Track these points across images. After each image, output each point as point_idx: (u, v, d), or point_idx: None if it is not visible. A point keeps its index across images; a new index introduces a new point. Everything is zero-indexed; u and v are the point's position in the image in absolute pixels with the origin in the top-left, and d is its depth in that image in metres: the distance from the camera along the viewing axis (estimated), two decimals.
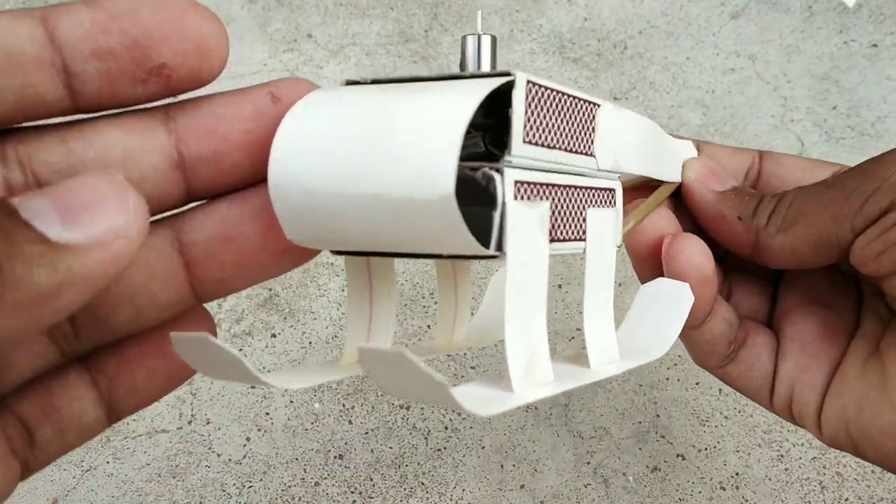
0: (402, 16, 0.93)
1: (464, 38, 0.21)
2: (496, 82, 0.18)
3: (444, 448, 0.69)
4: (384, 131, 0.16)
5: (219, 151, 0.21)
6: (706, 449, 0.67)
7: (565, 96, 0.20)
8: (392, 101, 0.17)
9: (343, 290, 0.75)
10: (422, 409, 0.71)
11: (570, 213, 0.20)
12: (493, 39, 0.21)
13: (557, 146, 0.20)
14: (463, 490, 0.66)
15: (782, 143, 0.82)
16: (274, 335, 0.73)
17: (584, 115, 0.20)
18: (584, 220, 0.21)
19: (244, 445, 0.68)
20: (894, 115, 0.83)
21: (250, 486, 0.66)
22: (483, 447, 0.68)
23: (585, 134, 0.20)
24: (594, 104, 0.21)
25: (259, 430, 0.69)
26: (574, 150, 0.20)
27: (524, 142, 0.19)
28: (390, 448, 0.68)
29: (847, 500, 0.65)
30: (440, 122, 0.16)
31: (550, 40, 0.90)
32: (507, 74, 0.18)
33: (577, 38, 0.91)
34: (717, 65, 0.87)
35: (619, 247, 0.22)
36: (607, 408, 0.69)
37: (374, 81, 0.20)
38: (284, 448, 0.68)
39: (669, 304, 0.23)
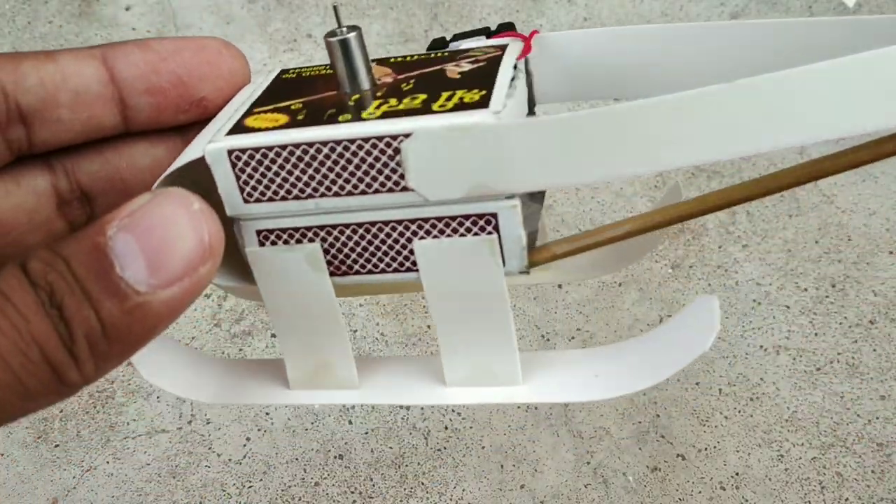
0: (402, 16, 0.93)
1: (327, 42, 0.21)
2: (186, 158, 0.20)
3: (444, 448, 0.69)
4: None
5: None
6: (706, 449, 0.67)
7: (313, 147, 0.19)
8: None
9: None
10: (422, 408, 0.71)
11: (378, 246, 0.21)
12: (359, 34, 0.21)
13: (314, 194, 0.20)
14: (463, 490, 0.66)
15: None
16: (274, 335, 0.73)
17: (358, 156, 0.19)
18: (411, 251, 0.21)
19: (244, 445, 0.68)
20: None
21: (250, 486, 0.66)
22: (483, 447, 0.68)
23: (372, 172, 0.19)
24: (387, 139, 0.19)
25: (259, 430, 0.69)
26: (353, 191, 0.20)
27: (247, 202, 0.20)
28: (390, 448, 0.68)
29: (847, 500, 0.65)
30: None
31: None
32: (244, 130, 0.21)
33: None
34: None
35: (523, 271, 0.20)
36: (607, 408, 0.69)
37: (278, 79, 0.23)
38: (284, 448, 0.69)
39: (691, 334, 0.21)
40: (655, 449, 0.68)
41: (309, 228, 0.21)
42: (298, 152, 0.20)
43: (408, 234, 0.21)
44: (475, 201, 0.20)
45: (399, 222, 0.20)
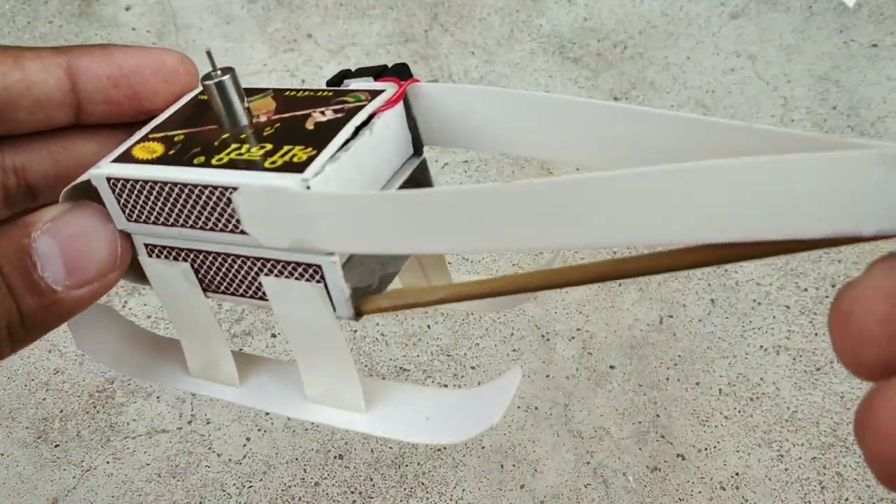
0: (402, 16, 0.93)
1: (204, 84, 0.23)
2: (79, 179, 0.23)
3: (444, 448, 0.69)
4: None
5: None
6: (706, 449, 0.67)
7: (167, 185, 0.22)
8: None
9: None
10: None
11: (235, 274, 0.23)
12: (233, 76, 0.23)
13: (175, 223, 0.23)
14: (463, 490, 0.66)
15: None
16: (274, 335, 0.73)
17: (202, 198, 0.22)
18: (260, 284, 0.23)
19: (244, 445, 0.68)
20: (894, 115, 0.83)
21: (250, 486, 0.66)
22: (483, 447, 0.68)
23: (215, 214, 0.22)
24: (220, 188, 0.21)
25: (259, 430, 0.69)
26: (204, 226, 0.22)
27: (129, 221, 0.23)
28: (390, 448, 0.68)
29: (847, 500, 0.65)
30: None
31: (550, 40, 0.90)
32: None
33: (577, 38, 0.91)
34: (717, 65, 0.87)
35: (352, 318, 0.22)
36: (607, 408, 0.69)
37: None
38: (284, 448, 0.69)
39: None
40: (655, 449, 0.68)
41: (182, 249, 0.24)
42: (157, 188, 0.23)
43: (255, 268, 0.23)
44: (302, 252, 0.21)
45: (247, 258, 0.23)
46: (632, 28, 0.91)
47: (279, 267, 0.23)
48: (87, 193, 0.24)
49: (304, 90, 0.26)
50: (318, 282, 0.22)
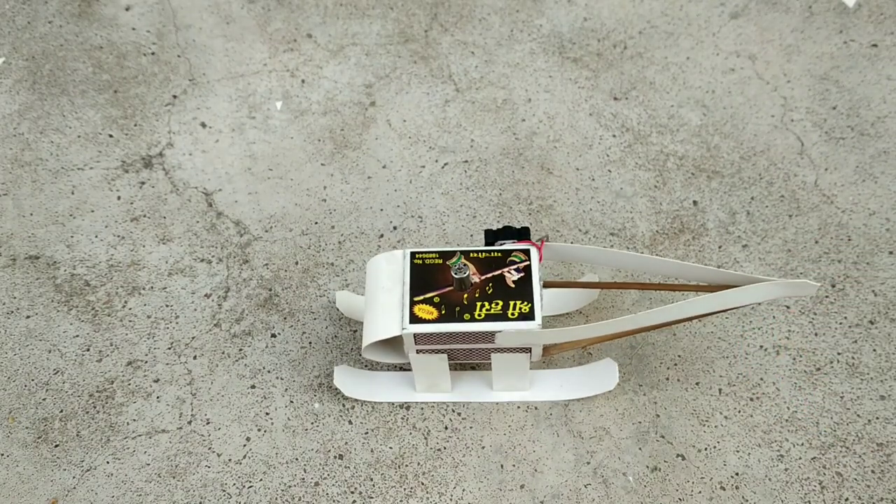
0: (402, 16, 0.93)
1: (454, 275, 0.66)
2: (389, 334, 0.65)
3: (444, 448, 0.69)
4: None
5: None
6: (706, 449, 0.67)
7: (455, 333, 0.63)
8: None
9: (342, 289, 0.75)
10: (421, 408, 0.71)
11: (475, 356, 0.66)
12: (468, 271, 0.67)
13: (448, 346, 0.65)
14: (463, 490, 0.66)
15: (782, 143, 0.82)
16: (274, 335, 0.73)
17: (479, 336, 0.64)
18: (488, 357, 0.68)
19: (244, 445, 0.68)
20: (894, 115, 0.83)
21: (250, 486, 0.66)
22: (483, 447, 0.68)
23: (478, 342, 0.64)
24: (493, 332, 0.62)
25: (259, 430, 0.69)
26: (470, 343, 0.66)
27: (416, 347, 0.66)
28: (390, 448, 0.68)
29: (847, 500, 0.65)
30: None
31: (550, 40, 0.90)
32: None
33: (577, 38, 0.91)
34: (717, 65, 0.87)
35: (536, 360, 0.68)
36: (607, 408, 0.69)
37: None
38: (284, 448, 0.68)
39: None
40: (655, 449, 0.68)
41: (443, 350, 0.65)
42: (447, 336, 0.63)
43: (488, 352, 0.66)
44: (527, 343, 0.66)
45: (487, 350, 0.65)
46: (632, 28, 0.91)
47: (504, 351, 0.65)
48: (385, 340, 0.66)
49: (482, 251, 0.63)
50: (526, 352, 0.65)
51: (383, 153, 0.83)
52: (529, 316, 0.61)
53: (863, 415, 0.68)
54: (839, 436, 0.67)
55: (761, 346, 0.71)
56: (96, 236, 0.78)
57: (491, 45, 0.90)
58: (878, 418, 0.68)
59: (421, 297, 0.62)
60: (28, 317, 0.74)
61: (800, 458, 0.66)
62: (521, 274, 0.62)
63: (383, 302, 0.63)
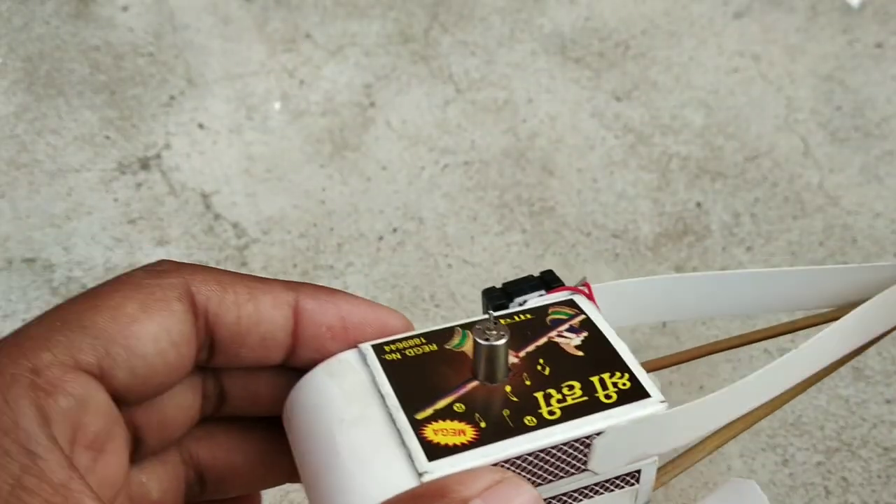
0: (402, 15, 0.92)
1: (476, 343, 0.23)
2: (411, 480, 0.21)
3: None
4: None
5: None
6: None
7: (512, 460, 0.22)
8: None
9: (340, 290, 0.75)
10: None
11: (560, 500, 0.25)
12: (507, 342, 0.24)
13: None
14: None
15: (786, 144, 0.81)
16: None
17: (562, 453, 0.23)
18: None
19: None
20: None
21: None
22: None
23: (561, 465, 0.23)
24: (588, 437, 0.22)
25: None
26: (537, 481, 0.24)
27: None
28: None
29: None
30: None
31: (552, 40, 0.90)
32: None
33: (579, 38, 0.90)
34: (721, 65, 0.87)
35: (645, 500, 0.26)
36: None
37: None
38: None
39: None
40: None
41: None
42: (509, 464, 0.22)
43: (570, 498, 0.25)
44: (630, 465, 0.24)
45: (573, 495, 0.24)
46: (634, 28, 0.90)
47: (597, 487, 0.24)
48: None
49: (502, 317, 0.27)
50: (631, 484, 0.25)
51: (383, 154, 0.82)
52: (638, 393, 0.24)
53: (868, 419, 0.67)
54: (844, 440, 0.67)
55: (765, 350, 0.71)
56: (93, 238, 0.78)
57: (492, 45, 0.90)
58: (883, 422, 0.67)
59: (430, 411, 0.24)
60: (24, 320, 0.74)
61: (804, 463, 0.66)
62: (584, 333, 0.27)
63: (354, 443, 0.24)
